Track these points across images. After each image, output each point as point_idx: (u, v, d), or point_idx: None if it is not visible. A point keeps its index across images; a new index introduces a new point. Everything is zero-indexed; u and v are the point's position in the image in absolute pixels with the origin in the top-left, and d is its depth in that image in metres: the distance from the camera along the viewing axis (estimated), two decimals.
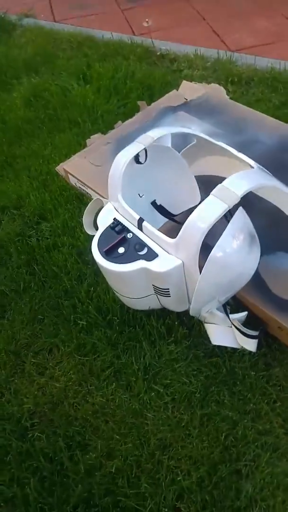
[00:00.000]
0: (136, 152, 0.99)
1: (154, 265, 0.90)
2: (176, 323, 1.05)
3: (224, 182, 0.85)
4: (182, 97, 1.63)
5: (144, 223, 0.94)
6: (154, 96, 1.77)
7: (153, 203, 1.16)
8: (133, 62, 2.01)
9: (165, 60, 2.00)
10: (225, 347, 1.01)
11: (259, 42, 1.98)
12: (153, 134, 1.01)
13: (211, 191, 0.84)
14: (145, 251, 0.92)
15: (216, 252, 0.82)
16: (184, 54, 1.99)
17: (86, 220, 1.20)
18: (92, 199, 1.30)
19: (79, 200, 1.39)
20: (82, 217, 1.21)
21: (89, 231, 1.18)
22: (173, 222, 1.16)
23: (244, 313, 0.99)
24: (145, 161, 1.06)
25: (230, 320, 0.99)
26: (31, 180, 1.50)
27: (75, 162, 1.45)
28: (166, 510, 0.81)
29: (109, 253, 0.94)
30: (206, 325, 1.04)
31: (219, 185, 0.85)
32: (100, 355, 1.05)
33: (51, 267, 1.21)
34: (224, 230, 0.83)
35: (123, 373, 1.01)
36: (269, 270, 1.04)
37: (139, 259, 0.92)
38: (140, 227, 0.95)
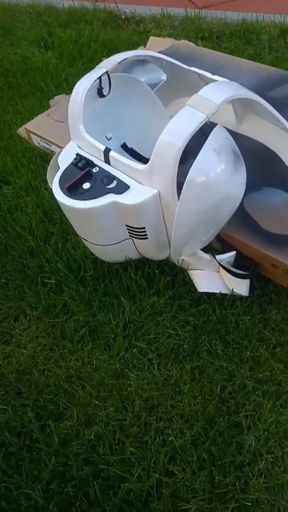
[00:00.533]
0: (97, 76, 0.87)
1: (125, 198, 0.78)
2: (156, 272, 0.93)
3: (199, 92, 0.74)
4: (150, 52, 1.52)
5: (112, 153, 0.82)
6: None
7: (123, 146, 1.04)
8: (97, 27, 1.89)
9: (130, 23, 1.89)
10: (214, 294, 0.89)
11: None
12: (117, 57, 0.89)
13: None
14: (114, 184, 0.80)
15: (196, 168, 0.71)
16: (151, 15, 1.88)
17: (50, 175, 1.06)
18: None
19: (43, 159, 1.26)
20: (46, 175, 1.09)
21: None
22: None
23: (232, 253, 0.88)
24: (109, 92, 0.94)
25: (217, 261, 0.87)
26: None
27: (38, 121, 1.33)
28: (157, 475, 0.69)
29: (72, 190, 0.81)
30: (191, 272, 0.92)
31: (194, 95, 0.74)
32: (73, 315, 0.92)
33: (14, 228, 1.08)
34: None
35: (100, 332, 0.88)
36: (256, 206, 0.93)
37: (108, 192, 0.79)
38: (107, 159, 0.83)
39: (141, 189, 0.78)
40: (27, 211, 1.11)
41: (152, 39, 1.59)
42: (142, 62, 1.45)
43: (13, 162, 1.27)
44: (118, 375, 0.82)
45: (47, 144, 1.25)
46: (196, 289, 0.90)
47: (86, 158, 0.84)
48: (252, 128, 1.03)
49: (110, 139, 1.02)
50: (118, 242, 0.87)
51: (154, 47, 1.54)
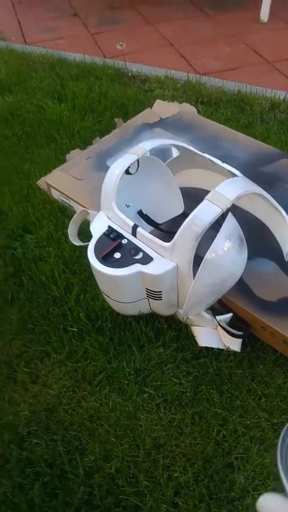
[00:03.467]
0: (130, 163, 1.04)
1: (149, 268, 0.95)
2: (164, 326, 1.09)
3: (216, 188, 0.92)
4: (157, 115, 1.71)
5: (139, 229, 0.99)
6: (128, 114, 1.84)
7: (140, 213, 1.21)
8: (106, 82, 2.08)
9: (136, 80, 2.09)
10: (212, 348, 1.06)
11: (224, 67, 2.12)
12: (146, 145, 1.06)
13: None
14: (140, 255, 0.97)
15: (211, 252, 0.88)
16: (155, 76, 2.08)
17: (72, 230, 1.23)
18: (76, 211, 1.34)
19: (62, 212, 1.42)
20: (66, 229, 1.24)
21: (74, 241, 1.21)
22: (158, 231, 1.21)
23: (229, 314, 1.06)
24: (136, 171, 1.11)
25: (217, 321, 1.04)
26: (12, 194, 1.51)
27: (57, 176, 1.48)
28: (165, 506, 0.84)
29: (106, 259, 0.98)
30: (193, 328, 1.09)
31: (212, 191, 0.92)
32: (92, 361, 1.07)
33: (39, 277, 1.23)
34: (210, 240, 0.90)
35: (115, 377, 1.04)
36: (251, 274, 1.11)
37: (135, 263, 0.96)
38: (134, 233, 1.00)
39: (163, 261, 0.95)
40: (50, 262, 1.26)
41: (158, 102, 1.78)
42: (150, 126, 1.65)
43: (34, 213, 1.42)
44: (131, 416, 0.97)
45: (66, 199, 1.41)
46: (197, 343, 1.07)
47: (117, 230, 1.01)
48: (247, 202, 1.22)
49: (129, 206, 1.19)
50: (136, 301, 1.04)
51: (161, 110, 1.74)
